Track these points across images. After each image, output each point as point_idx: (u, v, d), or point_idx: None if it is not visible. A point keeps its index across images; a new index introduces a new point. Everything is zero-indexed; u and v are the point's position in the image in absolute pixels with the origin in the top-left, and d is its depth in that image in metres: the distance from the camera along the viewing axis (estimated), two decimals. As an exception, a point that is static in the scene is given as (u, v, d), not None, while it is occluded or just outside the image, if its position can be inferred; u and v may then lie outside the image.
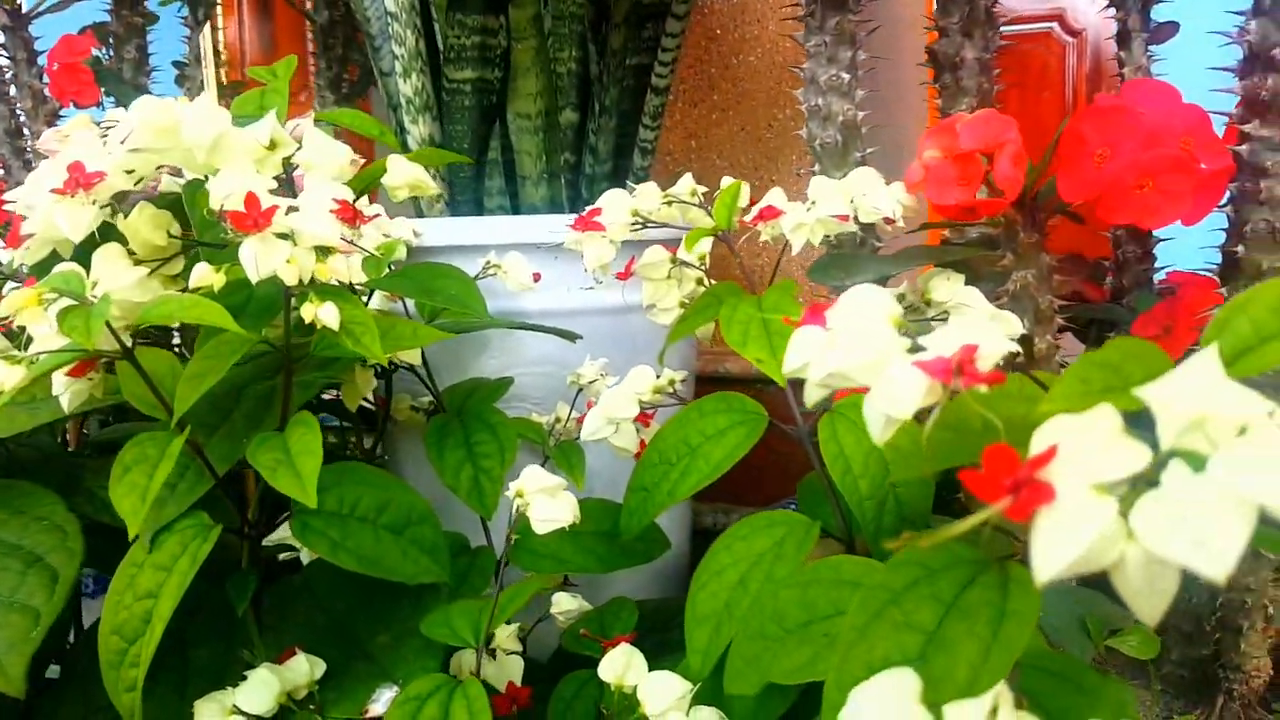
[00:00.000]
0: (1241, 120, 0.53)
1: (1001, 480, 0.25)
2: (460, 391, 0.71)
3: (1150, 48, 0.71)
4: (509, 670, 0.55)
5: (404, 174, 0.54)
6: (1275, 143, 0.52)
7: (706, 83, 1.11)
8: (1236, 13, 0.54)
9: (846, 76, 0.64)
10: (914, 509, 0.54)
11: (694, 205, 0.61)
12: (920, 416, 0.34)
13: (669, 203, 0.62)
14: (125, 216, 0.51)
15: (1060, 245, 0.68)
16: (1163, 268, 0.74)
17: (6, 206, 0.50)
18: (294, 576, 0.58)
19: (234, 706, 0.46)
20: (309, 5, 1.09)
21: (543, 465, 0.56)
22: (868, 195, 0.52)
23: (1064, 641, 0.54)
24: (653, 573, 0.80)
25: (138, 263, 0.50)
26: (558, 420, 0.73)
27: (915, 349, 0.31)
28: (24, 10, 0.93)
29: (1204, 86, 0.57)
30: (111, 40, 0.98)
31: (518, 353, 0.78)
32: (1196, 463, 0.24)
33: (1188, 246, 0.66)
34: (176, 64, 1.07)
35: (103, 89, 0.90)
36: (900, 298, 0.62)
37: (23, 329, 0.46)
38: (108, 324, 0.45)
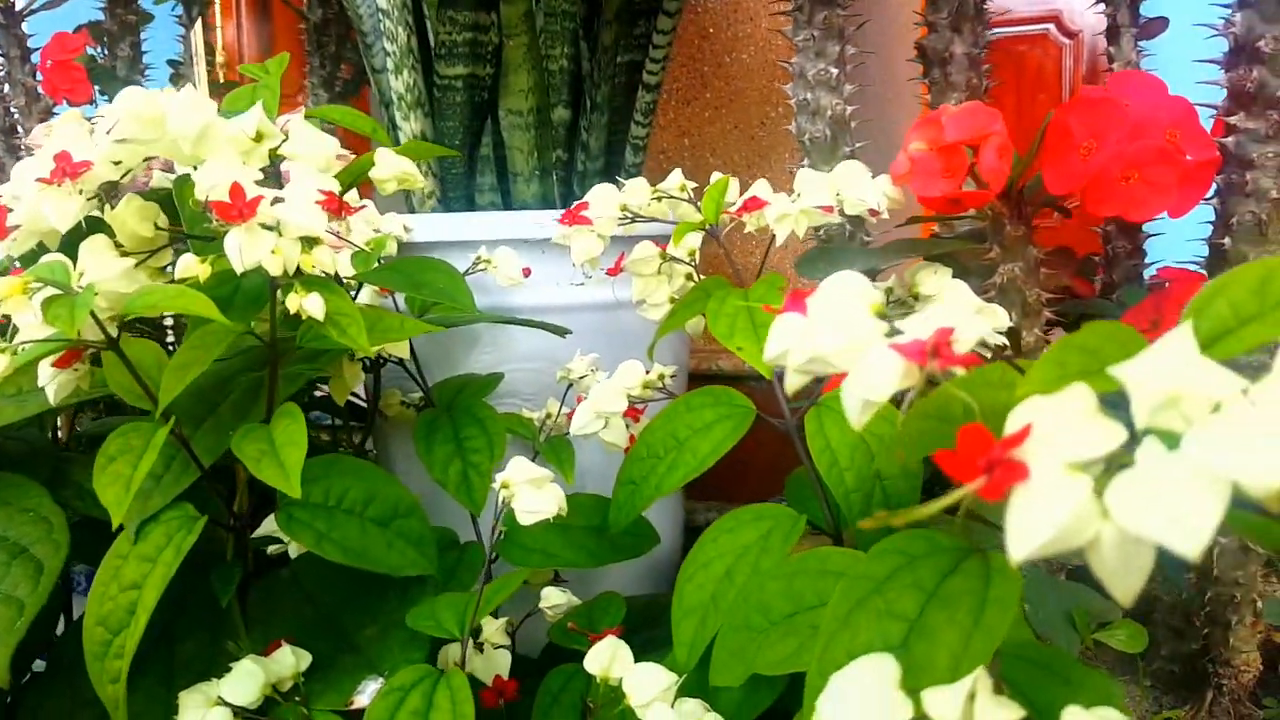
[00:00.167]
0: (1227, 112, 0.53)
1: (976, 460, 0.25)
2: (450, 387, 0.71)
3: (1140, 43, 0.71)
4: (496, 664, 0.55)
5: (392, 167, 0.54)
6: (1261, 135, 0.52)
7: (700, 81, 1.11)
8: (1222, 5, 0.54)
9: (835, 71, 0.64)
10: (901, 501, 0.54)
11: (683, 200, 0.61)
12: (900, 403, 0.34)
13: (658, 198, 0.62)
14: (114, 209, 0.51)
15: (1051, 240, 0.68)
16: (1153, 263, 0.74)
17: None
18: (281, 570, 0.58)
19: (219, 698, 0.46)
20: (303, 4, 1.09)
21: (533, 461, 0.56)
22: (853, 187, 0.52)
23: (1051, 635, 0.53)
24: (645, 570, 0.80)
25: (125, 254, 0.50)
26: (548, 416, 0.73)
27: (893, 333, 0.31)
28: (17, 8, 0.93)
29: (1192, 80, 0.57)
30: (106, 38, 0.98)
31: (509, 348, 0.78)
32: (1171, 441, 0.24)
33: (1178, 241, 0.66)
34: (172, 62, 1.07)
35: (96, 86, 0.90)
36: (888, 291, 0.62)
37: (8, 319, 0.46)
38: (92, 314, 0.45)
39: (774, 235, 0.54)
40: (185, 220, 0.53)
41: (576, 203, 0.60)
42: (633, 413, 0.64)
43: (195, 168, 0.46)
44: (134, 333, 0.55)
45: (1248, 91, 0.52)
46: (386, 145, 0.56)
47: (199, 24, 0.77)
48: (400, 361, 0.68)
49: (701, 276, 0.62)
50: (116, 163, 0.48)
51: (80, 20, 0.97)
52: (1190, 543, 0.22)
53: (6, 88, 0.94)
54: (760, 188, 0.54)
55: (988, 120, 0.50)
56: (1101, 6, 0.71)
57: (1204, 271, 0.59)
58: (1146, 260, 0.73)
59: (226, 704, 0.46)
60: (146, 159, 0.51)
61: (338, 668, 0.51)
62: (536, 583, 0.66)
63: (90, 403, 0.80)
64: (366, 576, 0.54)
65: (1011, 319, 0.57)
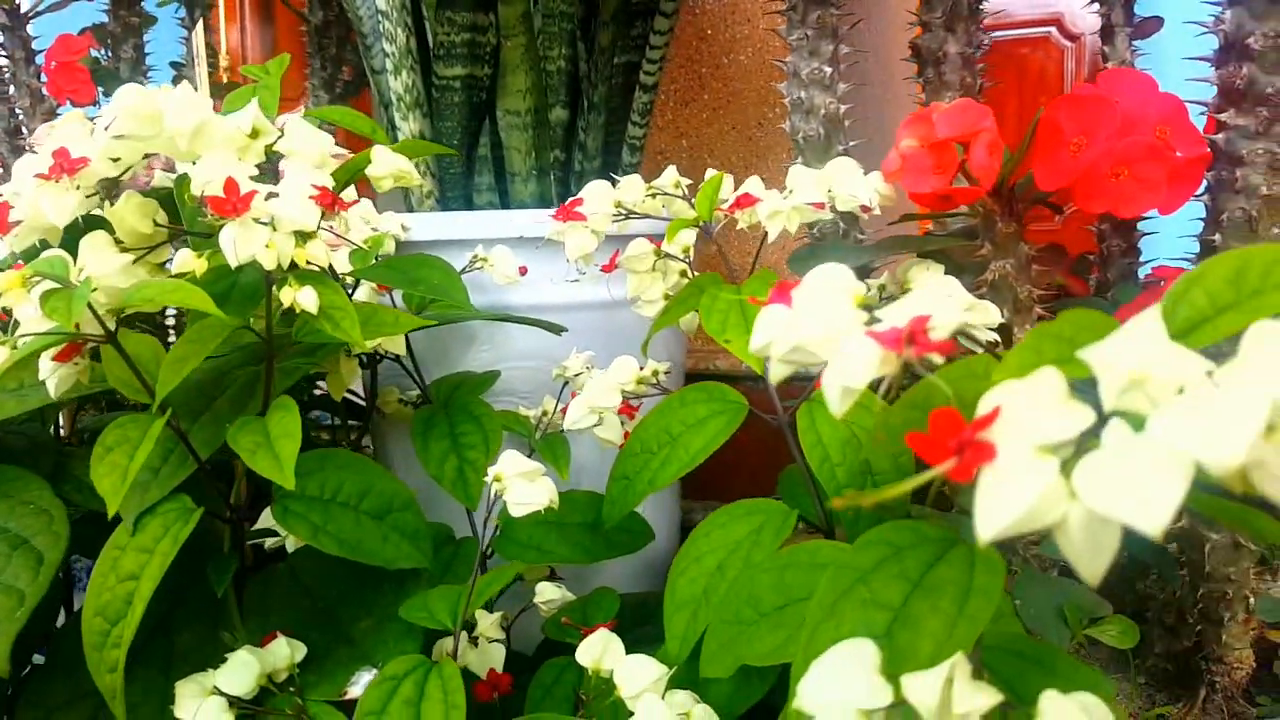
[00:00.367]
0: (1217, 109, 0.54)
1: (947, 442, 0.26)
2: (447, 384, 0.72)
3: (1134, 42, 0.72)
4: (491, 657, 0.56)
5: (388, 164, 0.55)
6: (1250, 131, 0.52)
7: (698, 82, 1.12)
8: (1212, 3, 0.54)
9: (828, 70, 0.65)
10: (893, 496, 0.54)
11: (677, 197, 0.62)
12: (886, 395, 0.35)
13: (653, 195, 0.62)
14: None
15: (1049, 239, 0.69)
16: (1148, 261, 0.74)
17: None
18: (279, 564, 0.59)
19: (214, 687, 0.47)
20: (304, 6, 1.10)
21: (529, 457, 0.56)
22: (844, 184, 0.52)
23: (1042, 630, 0.54)
24: (641, 567, 0.81)
25: (124, 250, 0.51)
26: (544, 413, 0.74)
27: (873, 323, 0.32)
28: (22, 10, 0.94)
29: (1184, 77, 0.58)
30: (109, 40, 0.99)
31: (506, 347, 0.78)
32: (1137, 422, 0.24)
33: (1172, 239, 0.67)
34: (174, 64, 1.08)
35: (100, 88, 0.91)
36: (881, 288, 0.62)
37: (9, 314, 0.47)
38: (91, 307, 0.46)
39: (766, 232, 0.54)
40: (185, 219, 0.54)
41: (571, 199, 0.60)
42: (627, 409, 0.64)
43: (194, 164, 0.47)
44: (137, 330, 0.56)
45: (1237, 88, 0.52)
46: (385, 145, 0.57)
47: (201, 26, 0.78)
48: (397, 358, 0.69)
49: (696, 274, 0.62)
50: (115, 159, 0.49)
51: (85, 22, 0.99)
52: (1153, 521, 0.22)
53: (11, 89, 0.95)
54: (752, 184, 0.55)
55: (978, 117, 0.51)
56: (1093, 3, 0.71)
57: (1195, 268, 0.59)
58: (1141, 258, 0.73)
59: (222, 694, 0.46)
60: (146, 156, 0.51)
61: (333, 659, 0.51)
62: (532, 579, 0.66)
63: (93, 399, 0.81)
64: (363, 570, 0.54)
65: (1003, 315, 0.58)
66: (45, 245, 0.50)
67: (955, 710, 0.30)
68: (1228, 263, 0.32)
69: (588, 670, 0.50)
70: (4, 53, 0.96)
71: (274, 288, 0.48)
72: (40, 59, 0.95)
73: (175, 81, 1.09)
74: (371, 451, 0.86)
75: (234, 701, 0.46)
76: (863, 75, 0.73)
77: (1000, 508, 0.24)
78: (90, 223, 0.51)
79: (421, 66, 0.84)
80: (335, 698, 0.49)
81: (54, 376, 0.49)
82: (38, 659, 0.58)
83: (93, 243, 0.49)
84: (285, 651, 0.49)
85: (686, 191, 0.63)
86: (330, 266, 0.59)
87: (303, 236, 0.46)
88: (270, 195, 0.46)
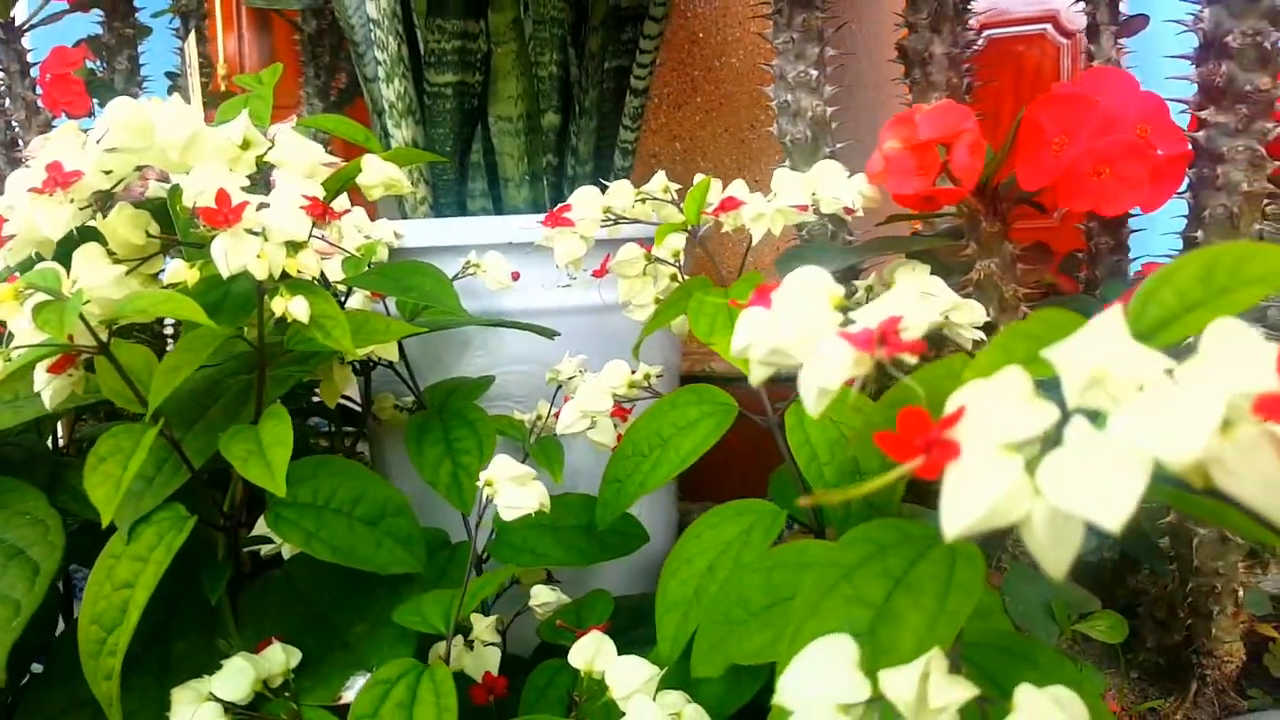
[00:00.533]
0: (1198, 107, 0.54)
1: (914, 441, 0.26)
2: (441, 390, 0.72)
3: (1119, 40, 0.72)
4: (486, 661, 0.56)
5: (378, 173, 0.55)
6: (1230, 129, 0.52)
7: (690, 85, 1.12)
8: (1192, 1, 0.55)
9: (814, 73, 0.65)
10: (880, 495, 0.55)
11: (666, 202, 0.62)
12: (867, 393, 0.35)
13: (642, 200, 0.63)
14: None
15: (1040, 238, 0.69)
16: (1137, 258, 0.75)
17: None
18: (275, 571, 0.59)
19: (210, 694, 0.47)
20: (297, 16, 1.11)
21: (523, 461, 0.57)
22: (828, 186, 0.53)
23: (1030, 626, 0.54)
24: (638, 570, 0.81)
25: (117, 262, 0.52)
26: (539, 418, 0.74)
27: (848, 324, 0.32)
28: (17, 23, 0.95)
29: (1171, 75, 0.58)
30: (104, 52, 1.00)
31: (500, 352, 0.79)
32: (1099, 420, 0.25)
33: (1160, 236, 0.67)
34: (169, 74, 1.09)
35: (95, 99, 0.92)
36: (869, 289, 0.63)
37: (3, 325, 0.47)
38: (83, 319, 0.46)
39: (752, 235, 0.55)
40: (180, 230, 0.54)
41: (560, 205, 0.61)
42: (620, 413, 0.65)
43: (186, 175, 0.47)
44: (135, 342, 0.56)
45: (1217, 86, 0.52)
46: (378, 152, 0.58)
47: (193, 36, 0.79)
48: (390, 365, 0.69)
49: (686, 277, 0.63)
50: (107, 172, 0.49)
51: (79, 35, 0.99)
52: (1112, 517, 0.23)
53: (7, 101, 0.96)
54: (737, 187, 0.55)
55: (959, 118, 0.51)
56: (1079, 2, 0.72)
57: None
58: (1130, 256, 0.74)
59: (218, 700, 0.47)
60: (139, 168, 0.52)
61: (328, 664, 0.52)
62: (528, 582, 0.67)
63: (92, 410, 0.82)
64: (357, 576, 0.55)
65: (989, 314, 0.58)
66: (40, 258, 0.51)
67: (931, 704, 0.31)
68: (1197, 261, 0.32)
69: (581, 672, 0.51)
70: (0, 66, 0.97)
71: (265, 297, 0.49)
72: (35, 71, 0.96)
73: (171, 92, 1.10)
74: (368, 458, 0.87)
75: (229, 707, 0.47)
76: (855, 77, 0.74)
77: (964, 505, 0.25)
78: (84, 235, 0.51)
79: (413, 74, 0.84)
80: (330, 702, 0.49)
81: (49, 388, 0.50)
82: (37, 668, 0.59)
83: (86, 254, 0.50)
84: (280, 657, 0.49)
85: (676, 196, 0.63)
86: (322, 275, 0.60)
87: (294, 246, 0.47)
88: (261, 206, 0.46)
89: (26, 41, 0.97)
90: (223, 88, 1.44)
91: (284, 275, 0.47)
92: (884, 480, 0.27)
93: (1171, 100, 0.54)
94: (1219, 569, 0.59)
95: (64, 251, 0.50)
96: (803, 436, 0.54)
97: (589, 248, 0.62)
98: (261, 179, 0.52)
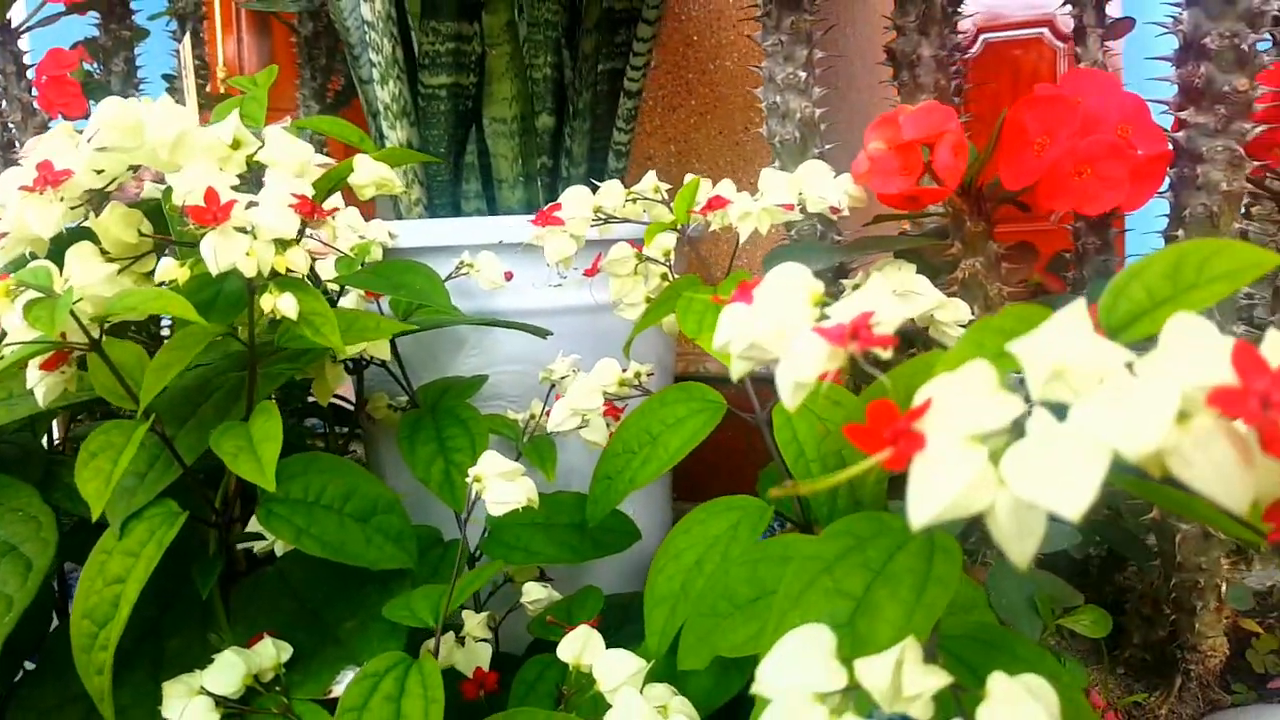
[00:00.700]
0: (1178, 108, 0.55)
1: (882, 433, 0.27)
2: (434, 389, 0.73)
3: (1105, 43, 0.73)
4: (477, 657, 0.57)
5: (370, 173, 0.56)
6: (1210, 129, 0.53)
7: (684, 88, 1.13)
8: (1172, 3, 0.55)
9: (803, 75, 0.66)
10: (868, 492, 0.55)
11: (657, 201, 0.63)
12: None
13: (633, 199, 0.64)
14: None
15: (1036, 239, 0.70)
16: (1131, 257, 0.75)
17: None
18: (267, 568, 0.60)
19: (201, 688, 0.48)
20: (294, 19, 1.11)
21: (516, 460, 0.57)
22: (815, 186, 0.53)
23: (1014, 620, 0.55)
24: (631, 569, 0.82)
25: (110, 260, 0.52)
26: (532, 417, 0.75)
27: (824, 319, 0.33)
28: (14, 24, 0.96)
29: (1147, 76, 0.59)
30: (101, 54, 1.00)
31: (494, 351, 0.79)
32: (1061, 412, 0.25)
33: (1142, 236, 0.68)
34: (166, 77, 1.10)
35: (91, 101, 0.92)
36: (856, 288, 0.63)
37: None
38: (75, 316, 0.47)
39: (740, 235, 0.56)
40: (173, 230, 0.55)
41: (550, 204, 0.61)
42: (612, 411, 0.65)
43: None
44: (131, 341, 0.57)
45: (1196, 87, 0.53)
46: (371, 153, 0.58)
47: (189, 38, 0.79)
48: (383, 363, 0.70)
49: (677, 277, 0.63)
50: (99, 171, 0.50)
51: (76, 36, 1.00)
52: (1072, 506, 0.23)
53: (3, 103, 0.97)
54: (724, 186, 0.56)
55: (942, 119, 0.52)
56: (1065, 5, 0.72)
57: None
58: (1117, 256, 0.74)
59: (209, 694, 0.47)
60: (133, 169, 0.53)
61: (319, 659, 0.52)
62: (521, 580, 0.67)
63: (88, 409, 0.82)
64: (349, 573, 0.55)
65: (974, 312, 0.59)
66: (33, 257, 0.52)
67: (905, 692, 0.31)
68: (1165, 258, 0.33)
69: (570, 666, 0.51)
70: (-3, 68, 0.97)
71: (255, 295, 0.49)
72: (32, 73, 0.96)
73: (168, 94, 1.11)
74: (362, 457, 0.87)
75: (220, 701, 0.47)
76: (848, 80, 0.74)
77: (930, 495, 0.25)
78: (78, 235, 0.52)
79: (408, 76, 0.85)
80: (320, 696, 0.50)
81: (41, 385, 0.51)
82: (30, 667, 0.60)
83: (78, 253, 0.50)
84: (271, 652, 0.50)
85: (666, 196, 0.64)
86: (314, 273, 0.60)
87: (282, 244, 0.47)
88: (250, 204, 0.47)
89: (23, 43, 0.98)
90: (222, 90, 1.44)
91: (274, 273, 0.48)
92: (854, 471, 0.27)
93: (1153, 101, 0.55)
94: (1202, 564, 0.59)
95: (57, 250, 0.51)
96: (790, 434, 0.54)
97: (580, 247, 0.63)
98: (253, 179, 0.53)
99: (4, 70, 0.96)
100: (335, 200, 0.66)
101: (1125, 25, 0.74)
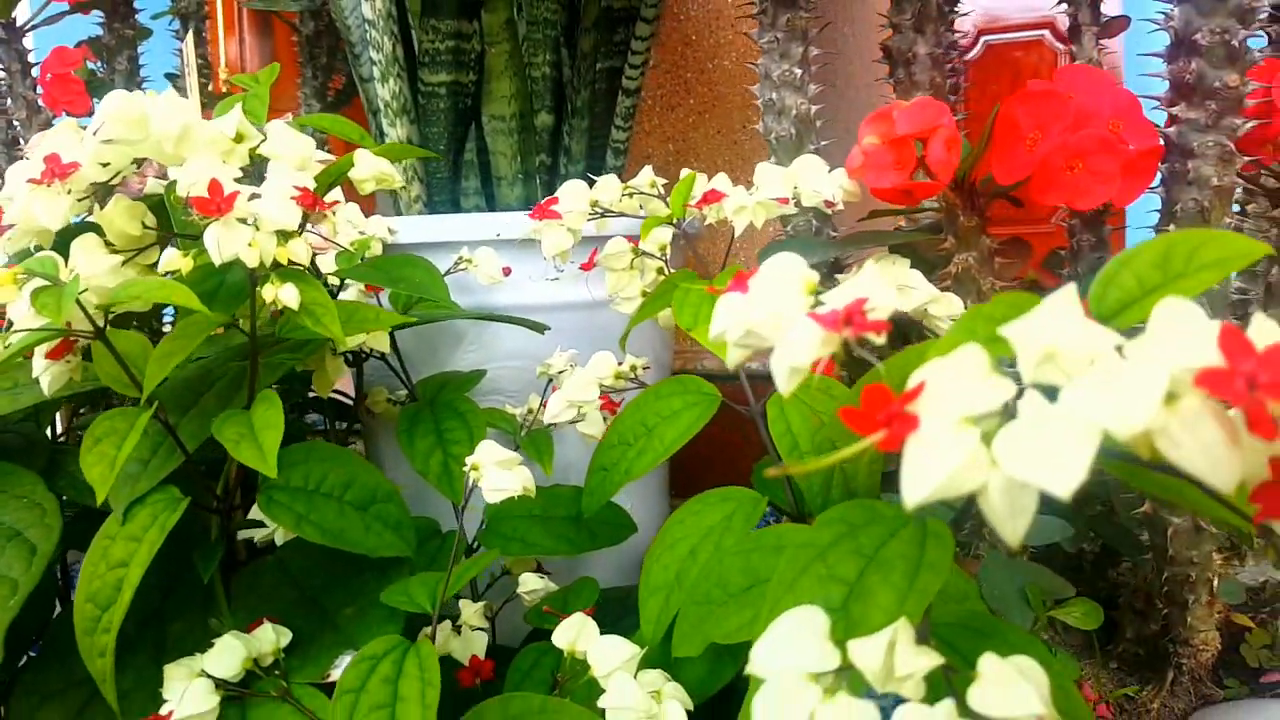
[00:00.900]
0: (1169, 103, 0.55)
1: (876, 415, 0.27)
2: (433, 383, 0.74)
3: (1100, 41, 0.73)
4: (474, 645, 0.57)
5: (370, 167, 0.57)
6: (1201, 124, 0.54)
7: (683, 87, 1.14)
8: (1164, 0, 0.56)
9: (799, 72, 0.66)
10: (861, 483, 0.56)
11: (653, 196, 0.63)
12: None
13: (629, 194, 0.64)
14: (103, 209, 0.53)
15: (1036, 240, 0.70)
16: (1120, 256, 0.76)
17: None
18: (268, 556, 0.60)
19: (202, 670, 0.48)
20: (296, 18, 1.12)
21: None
22: (809, 180, 0.54)
23: (1005, 611, 0.55)
24: (629, 562, 0.82)
25: (114, 252, 0.53)
26: (530, 411, 0.76)
27: (818, 306, 0.33)
28: (19, 23, 0.96)
29: (1139, 73, 0.59)
30: (104, 53, 1.01)
31: (493, 347, 0.80)
32: (1052, 395, 0.26)
33: (1140, 233, 0.68)
34: (169, 76, 1.11)
35: (95, 99, 0.93)
36: (851, 282, 0.64)
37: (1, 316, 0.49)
38: (80, 305, 0.48)
39: (735, 229, 0.56)
40: (176, 224, 0.55)
41: (546, 196, 0.62)
42: (609, 405, 0.66)
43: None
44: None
45: (1187, 83, 0.54)
46: (371, 149, 0.59)
47: (192, 37, 0.80)
48: (383, 356, 0.71)
49: (672, 271, 0.64)
50: (104, 164, 0.51)
51: (80, 35, 1.01)
52: (1063, 485, 0.24)
53: (8, 101, 0.97)
54: (719, 180, 0.57)
55: (935, 114, 0.53)
56: (1061, 4, 0.73)
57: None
58: (1111, 253, 0.75)
59: (209, 676, 0.48)
60: (136, 161, 0.53)
61: (317, 644, 0.53)
62: (519, 573, 0.68)
63: (92, 401, 0.83)
64: (348, 561, 0.56)
65: (967, 307, 0.59)
66: (39, 249, 0.52)
67: (898, 672, 0.32)
68: (1155, 247, 0.33)
69: (564, 653, 0.52)
70: (1, 65, 0.98)
71: (257, 285, 0.50)
72: (36, 71, 0.97)
73: (170, 91, 1.11)
74: (362, 452, 0.88)
75: (220, 684, 0.48)
76: (846, 77, 0.75)
77: (923, 475, 0.26)
78: (79, 229, 0.53)
79: (408, 74, 0.86)
80: (319, 680, 0.50)
81: (47, 374, 0.51)
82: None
83: (83, 244, 0.51)
84: (271, 637, 0.51)
85: (662, 191, 0.65)
86: (314, 267, 0.61)
87: (284, 235, 0.48)
88: (253, 196, 0.47)
89: (28, 41, 0.98)
90: (224, 90, 1.45)
91: (275, 264, 0.48)
92: (849, 452, 0.28)
93: (1146, 97, 0.55)
94: (1193, 558, 0.60)
95: (61, 244, 0.52)
96: (784, 426, 0.55)
97: (576, 241, 0.63)
98: (255, 172, 0.53)
99: (9, 68, 0.96)
100: (335, 196, 0.67)
101: (1120, 24, 0.75)
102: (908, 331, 0.59)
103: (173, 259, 0.48)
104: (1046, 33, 2.20)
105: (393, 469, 0.82)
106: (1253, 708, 0.65)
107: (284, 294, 0.47)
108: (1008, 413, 0.27)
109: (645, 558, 0.55)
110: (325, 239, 0.62)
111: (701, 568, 0.52)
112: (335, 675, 0.50)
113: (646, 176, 0.64)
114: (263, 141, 0.51)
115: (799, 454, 0.55)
